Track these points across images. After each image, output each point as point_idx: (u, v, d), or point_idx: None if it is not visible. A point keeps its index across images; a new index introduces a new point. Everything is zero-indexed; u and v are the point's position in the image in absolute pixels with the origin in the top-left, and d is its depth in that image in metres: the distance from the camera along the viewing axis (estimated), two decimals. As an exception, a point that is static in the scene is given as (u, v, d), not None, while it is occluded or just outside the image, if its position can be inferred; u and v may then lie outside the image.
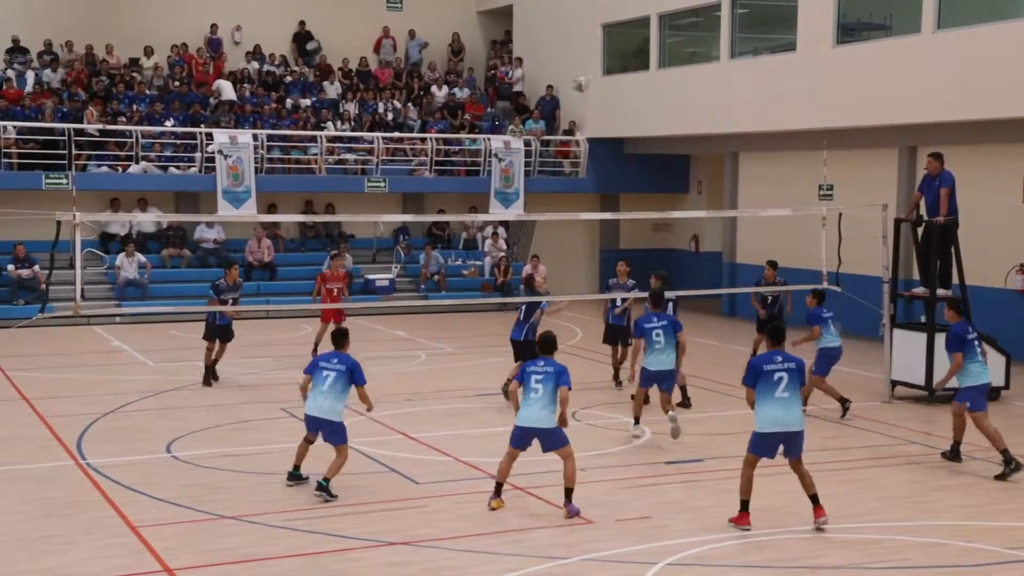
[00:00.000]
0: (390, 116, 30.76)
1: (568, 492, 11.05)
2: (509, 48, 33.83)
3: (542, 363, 11.16)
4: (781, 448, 10.65)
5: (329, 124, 29.62)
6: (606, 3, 29.56)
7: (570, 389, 11.02)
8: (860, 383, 18.24)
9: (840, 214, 16.82)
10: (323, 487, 11.46)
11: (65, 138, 26.15)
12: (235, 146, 26.85)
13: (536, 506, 11.36)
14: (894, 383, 17.18)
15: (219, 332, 17.96)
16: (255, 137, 27.48)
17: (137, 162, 27.03)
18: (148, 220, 26.99)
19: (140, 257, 25.99)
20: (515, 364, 16.10)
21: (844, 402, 15.75)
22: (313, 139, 28.70)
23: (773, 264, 18.94)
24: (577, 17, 30.40)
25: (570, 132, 30.78)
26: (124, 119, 27.73)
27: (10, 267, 24.86)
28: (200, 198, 27.46)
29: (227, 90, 29.61)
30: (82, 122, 27.03)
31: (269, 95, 30.45)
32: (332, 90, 31.42)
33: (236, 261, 20.40)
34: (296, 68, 32.02)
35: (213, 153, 26.88)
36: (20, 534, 10.49)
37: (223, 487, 12.08)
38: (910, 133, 22.39)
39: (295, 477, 12.02)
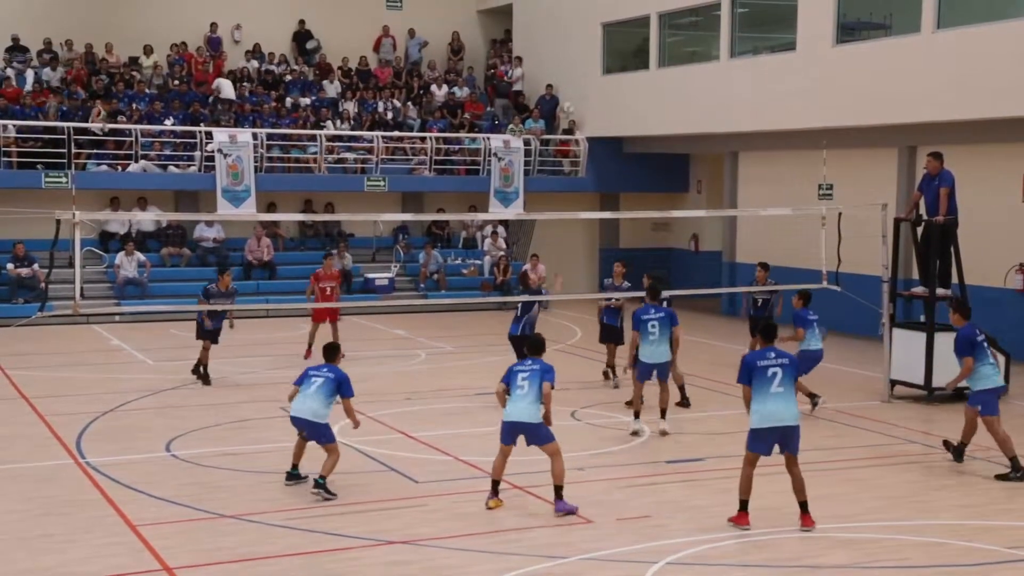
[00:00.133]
0: (390, 115, 30.75)
1: (558, 490, 11.07)
2: (509, 47, 33.82)
3: (529, 362, 11.33)
4: (778, 448, 10.65)
5: (329, 123, 29.61)
6: (606, 2, 29.55)
7: (553, 387, 11.15)
8: (859, 382, 18.26)
9: (840, 213, 16.81)
10: (320, 485, 11.46)
11: (65, 136, 26.14)
12: (235, 145, 26.85)
13: (535, 505, 11.35)
14: (893, 382, 17.17)
15: (209, 334, 17.99)
16: (255, 136, 27.47)
17: (137, 161, 27.03)
18: (148, 219, 26.98)
19: (139, 256, 25.98)
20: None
21: (813, 397, 15.82)
22: (313, 138, 28.68)
23: (765, 266, 19.00)
24: (577, 16, 30.39)
25: (569, 131, 30.78)
26: (124, 118, 27.73)
27: (9, 266, 24.86)
28: (200, 197, 27.45)
29: (227, 89, 29.60)
30: (83, 120, 27.03)
31: (269, 94, 30.45)
32: (332, 89, 31.42)
33: (230, 267, 19.94)
34: (296, 67, 32.01)
35: (213, 152, 26.87)
36: (19, 533, 10.49)
37: (222, 486, 12.08)
38: (910, 132, 22.39)
39: (294, 476, 12.03)
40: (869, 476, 12.76)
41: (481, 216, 29.39)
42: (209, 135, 27.12)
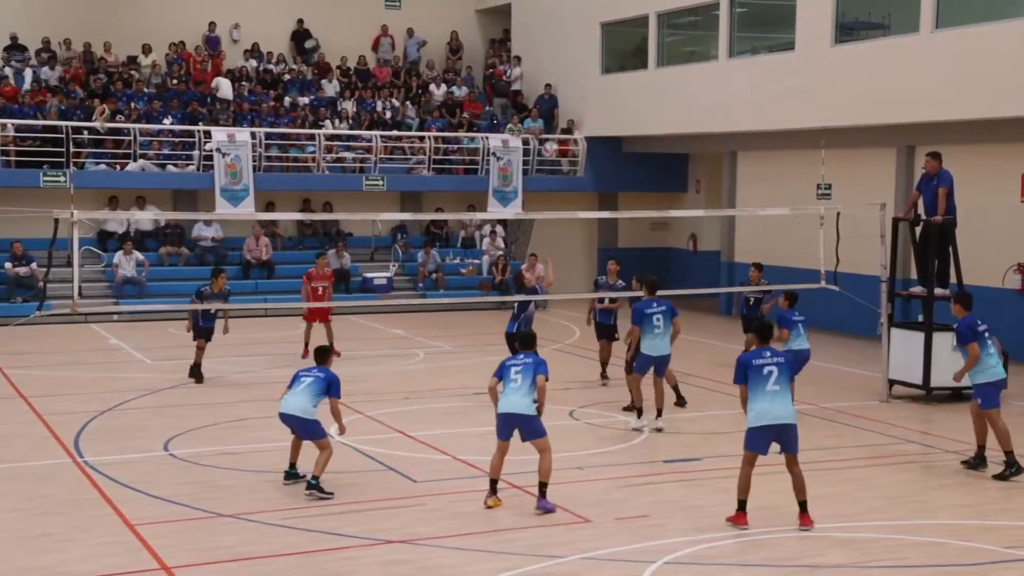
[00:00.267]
0: (388, 114, 30.74)
1: (542, 487, 11.09)
2: (508, 47, 33.81)
3: (522, 356, 11.40)
4: (778, 448, 10.64)
5: (327, 122, 29.59)
6: (605, 2, 29.53)
7: (547, 379, 11.18)
8: (858, 382, 18.26)
9: (838, 213, 16.81)
10: (313, 486, 11.45)
11: (63, 135, 26.13)
12: (233, 144, 26.84)
13: (533, 505, 11.34)
14: (892, 382, 17.16)
15: (204, 333, 17.99)
16: (253, 135, 27.46)
17: (135, 160, 27.02)
18: (146, 218, 26.98)
19: (138, 255, 25.97)
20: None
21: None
22: (311, 137, 28.67)
23: (758, 266, 18.97)
24: (576, 16, 30.38)
25: (568, 131, 30.77)
26: (122, 117, 27.71)
27: (7, 265, 24.84)
28: (198, 196, 27.44)
29: (225, 88, 29.60)
30: (82, 119, 27.00)
31: (267, 93, 30.43)
32: (330, 88, 31.40)
33: (224, 269, 19.85)
34: (294, 66, 31.99)
35: (211, 151, 26.85)
36: (17, 532, 10.48)
37: (220, 485, 12.08)
38: (908, 132, 22.39)
39: (292, 476, 12.03)
40: (867, 476, 12.76)
41: (480, 215, 29.37)
42: (207, 134, 27.11)
